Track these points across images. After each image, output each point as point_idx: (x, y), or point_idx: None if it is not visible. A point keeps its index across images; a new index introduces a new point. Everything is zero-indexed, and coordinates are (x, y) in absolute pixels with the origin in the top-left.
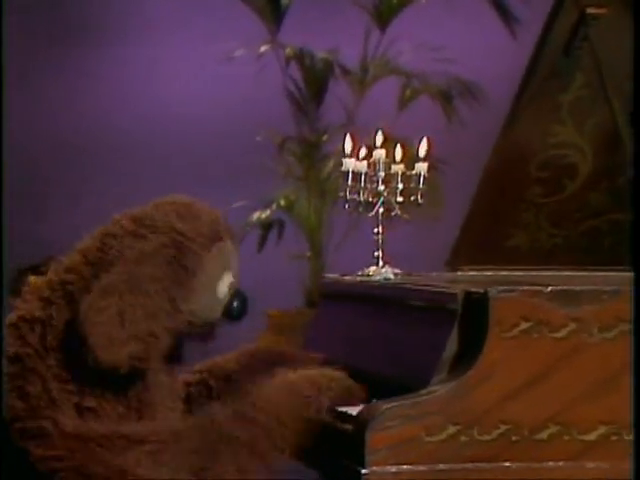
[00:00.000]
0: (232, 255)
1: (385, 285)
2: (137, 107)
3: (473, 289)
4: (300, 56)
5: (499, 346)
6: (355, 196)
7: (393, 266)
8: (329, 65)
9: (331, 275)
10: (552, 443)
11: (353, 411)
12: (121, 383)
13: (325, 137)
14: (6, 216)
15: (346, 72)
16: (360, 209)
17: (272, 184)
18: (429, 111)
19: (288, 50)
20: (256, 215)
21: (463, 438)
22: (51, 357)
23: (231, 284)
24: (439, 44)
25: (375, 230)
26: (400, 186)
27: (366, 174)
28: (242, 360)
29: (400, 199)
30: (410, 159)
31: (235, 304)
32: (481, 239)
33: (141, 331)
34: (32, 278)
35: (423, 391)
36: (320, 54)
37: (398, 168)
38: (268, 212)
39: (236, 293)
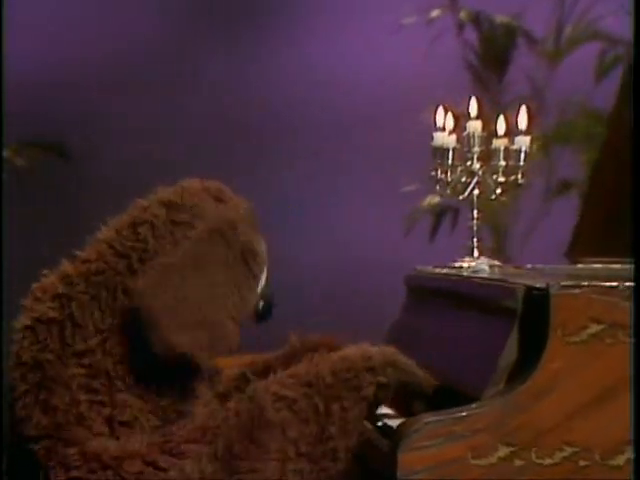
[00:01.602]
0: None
1: (458, 279)
2: (305, 80)
3: (538, 284)
4: (477, 21)
5: (563, 353)
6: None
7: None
8: (512, 31)
9: (420, 267)
10: (630, 470)
11: (394, 423)
12: (160, 388)
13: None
14: (6, 215)
15: (531, 39)
16: (448, 191)
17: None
18: None
19: (463, 14)
20: (427, 200)
21: (518, 462)
22: (75, 364)
23: (266, 279)
24: None
25: (470, 215)
26: (502, 163)
27: (454, 150)
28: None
29: (502, 179)
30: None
31: (261, 305)
32: (603, 224)
33: (207, 317)
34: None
35: (473, 405)
36: (500, 18)
37: (501, 143)
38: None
39: (264, 293)
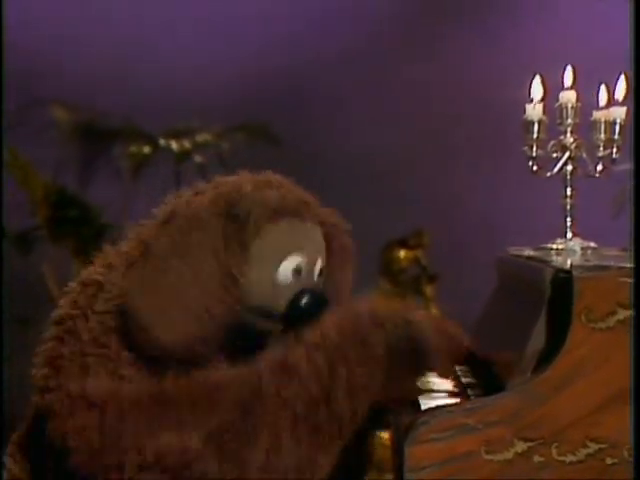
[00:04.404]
0: (312, 240)
1: (518, 261)
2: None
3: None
4: None
5: (588, 340)
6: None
7: None
8: None
9: (513, 248)
10: None
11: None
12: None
13: None
14: (5, 214)
15: None
16: (534, 167)
17: None
18: None
19: None
20: None
21: (537, 458)
22: (94, 320)
23: (297, 270)
24: None
25: (563, 193)
26: (603, 137)
27: (540, 123)
28: None
29: (601, 153)
30: None
31: (304, 300)
32: None
33: (196, 307)
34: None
35: (491, 396)
36: None
37: (601, 115)
38: None
39: (308, 288)
